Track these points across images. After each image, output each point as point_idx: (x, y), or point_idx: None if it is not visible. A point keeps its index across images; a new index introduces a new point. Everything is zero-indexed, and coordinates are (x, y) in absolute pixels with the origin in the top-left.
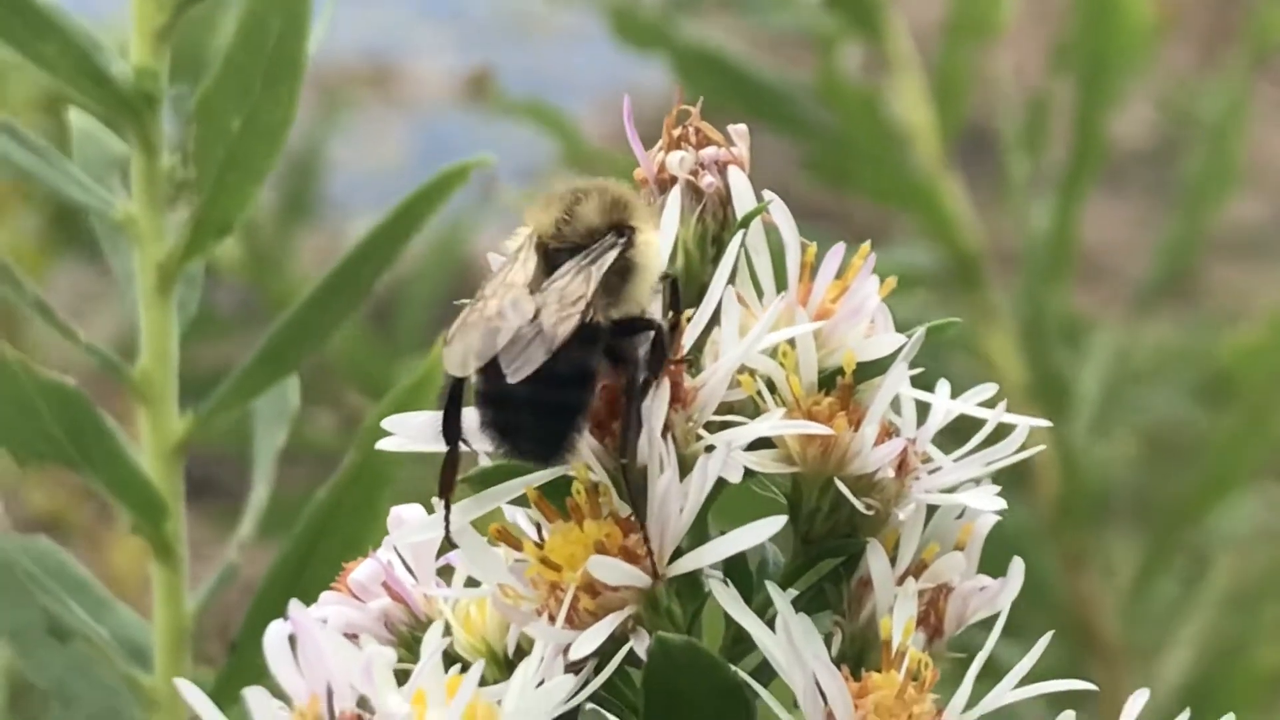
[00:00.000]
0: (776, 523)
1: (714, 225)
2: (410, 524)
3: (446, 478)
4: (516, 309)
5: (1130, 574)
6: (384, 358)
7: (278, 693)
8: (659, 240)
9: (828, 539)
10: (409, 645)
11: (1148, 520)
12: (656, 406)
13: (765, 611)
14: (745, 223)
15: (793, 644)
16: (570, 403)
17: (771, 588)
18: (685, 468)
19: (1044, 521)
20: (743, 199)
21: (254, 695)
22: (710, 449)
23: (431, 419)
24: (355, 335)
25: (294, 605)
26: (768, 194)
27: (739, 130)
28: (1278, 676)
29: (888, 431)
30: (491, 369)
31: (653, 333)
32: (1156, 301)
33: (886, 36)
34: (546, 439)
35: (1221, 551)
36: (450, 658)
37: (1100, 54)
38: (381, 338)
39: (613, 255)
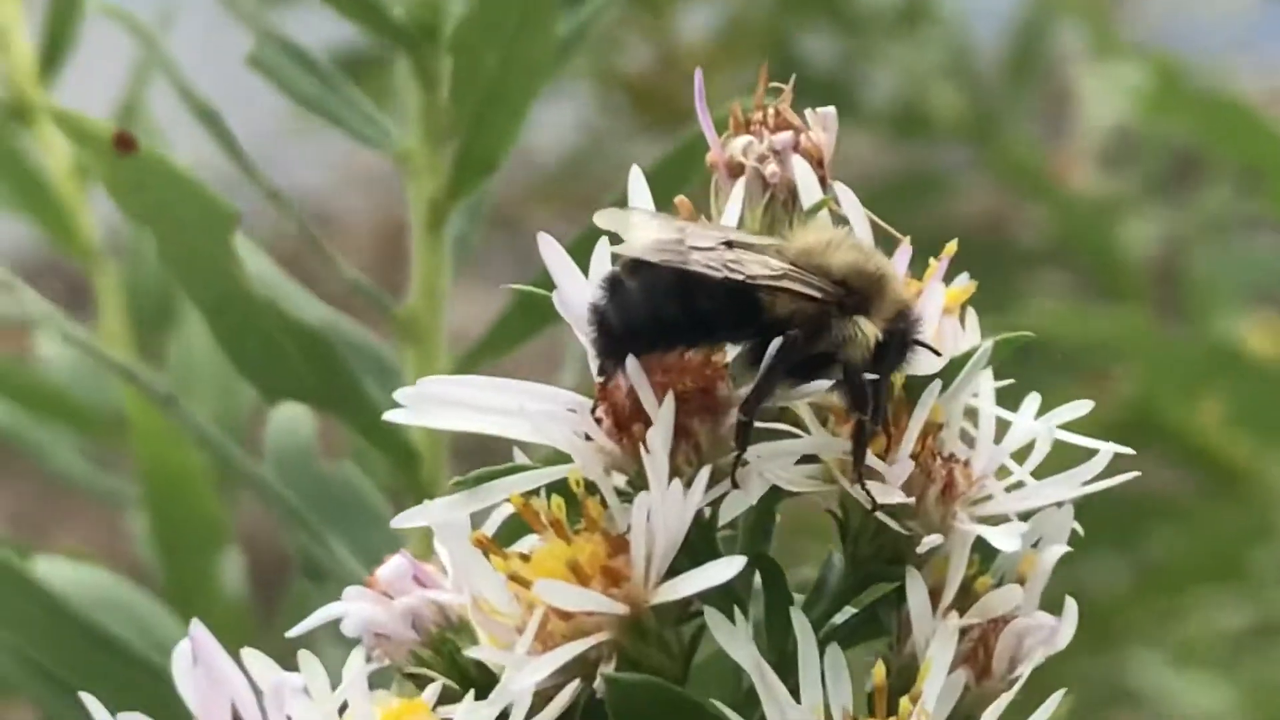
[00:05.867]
0: (736, 563)
1: (786, 217)
2: (402, 516)
3: None
4: (693, 232)
5: None
6: None
7: None
8: (872, 341)
9: (874, 562)
10: (438, 648)
11: None
12: (662, 416)
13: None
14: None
15: (767, 686)
16: (671, 316)
17: (796, 617)
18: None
19: None
20: (808, 190)
21: None
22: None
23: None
24: None
25: (195, 625)
26: (838, 186)
27: (824, 115)
28: None
29: (933, 452)
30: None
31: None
32: None
33: None
34: (625, 333)
35: None
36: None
37: None
38: None
39: (814, 292)
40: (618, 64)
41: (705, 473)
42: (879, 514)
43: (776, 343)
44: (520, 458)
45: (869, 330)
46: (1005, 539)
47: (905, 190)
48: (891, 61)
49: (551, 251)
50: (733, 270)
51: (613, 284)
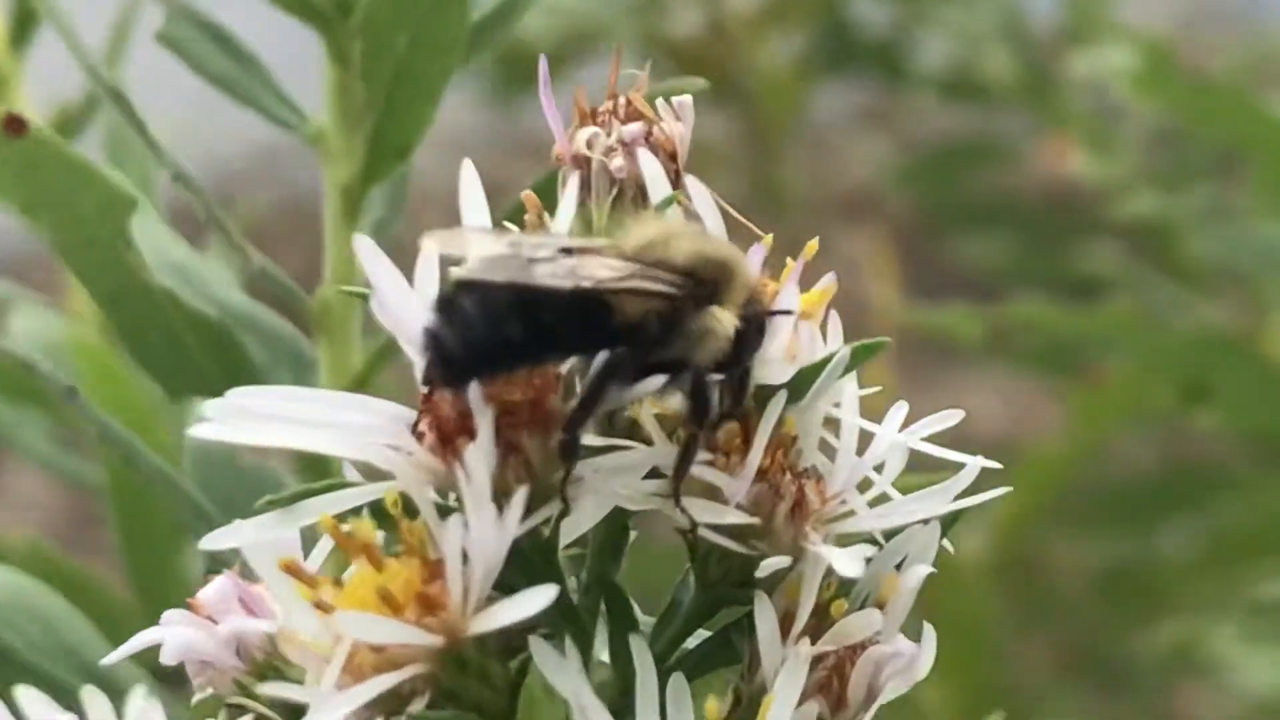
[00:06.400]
0: (548, 592)
1: (636, 213)
2: (209, 538)
3: None
4: (527, 243)
5: None
6: None
7: None
8: (730, 330)
9: (723, 584)
10: (264, 676)
11: None
12: (482, 430)
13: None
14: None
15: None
16: (514, 336)
17: (635, 644)
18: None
19: None
20: (656, 185)
21: None
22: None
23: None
24: None
25: None
26: (691, 180)
27: (680, 104)
28: None
29: (783, 467)
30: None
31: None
32: None
33: None
34: (466, 355)
35: None
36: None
37: None
38: None
39: (664, 288)
40: (666, 29)
41: (523, 492)
42: (712, 535)
43: (602, 357)
44: (353, 474)
45: (726, 320)
46: (849, 562)
47: (964, 156)
48: (945, 25)
49: (368, 253)
50: (580, 277)
51: (445, 305)
